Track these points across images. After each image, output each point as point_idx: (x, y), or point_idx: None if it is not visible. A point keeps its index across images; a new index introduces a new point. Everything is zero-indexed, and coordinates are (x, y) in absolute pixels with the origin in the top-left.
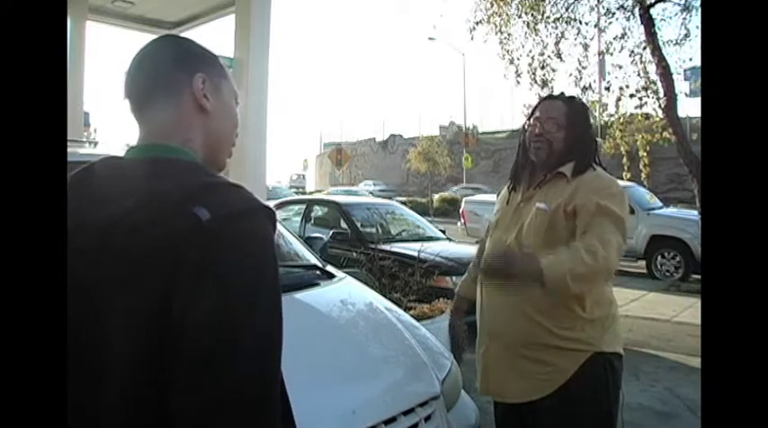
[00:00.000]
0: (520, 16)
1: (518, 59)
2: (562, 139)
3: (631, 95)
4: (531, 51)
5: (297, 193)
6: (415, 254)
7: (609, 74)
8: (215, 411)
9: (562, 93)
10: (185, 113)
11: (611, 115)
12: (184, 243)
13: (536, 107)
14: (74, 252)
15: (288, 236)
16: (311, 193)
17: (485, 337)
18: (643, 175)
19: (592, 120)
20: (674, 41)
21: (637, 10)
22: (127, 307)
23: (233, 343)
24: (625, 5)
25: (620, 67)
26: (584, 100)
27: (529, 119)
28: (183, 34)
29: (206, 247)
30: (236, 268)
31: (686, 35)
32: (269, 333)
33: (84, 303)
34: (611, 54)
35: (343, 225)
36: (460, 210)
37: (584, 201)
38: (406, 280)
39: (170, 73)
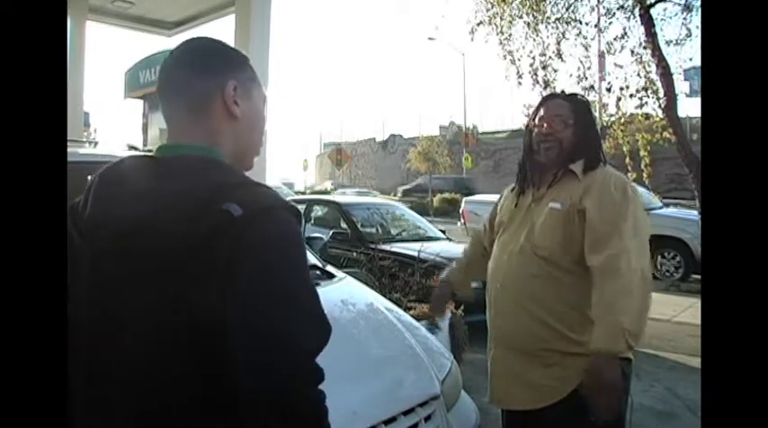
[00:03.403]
0: (521, 17)
1: (519, 60)
2: (571, 136)
3: (632, 95)
4: (531, 52)
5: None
6: (415, 254)
7: (609, 74)
8: (253, 409)
9: (563, 91)
10: (215, 118)
11: (612, 115)
12: (216, 238)
13: (539, 107)
14: (101, 249)
15: None
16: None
17: (493, 342)
18: (645, 175)
19: (594, 117)
20: (675, 41)
21: (637, 10)
22: (154, 303)
23: (270, 336)
24: (625, 5)
25: (621, 67)
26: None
27: (533, 119)
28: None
29: (239, 243)
30: (269, 263)
31: (687, 35)
32: (303, 324)
33: (109, 299)
34: (612, 54)
35: (343, 225)
36: (461, 210)
37: (593, 214)
38: (406, 280)
39: (202, 77)
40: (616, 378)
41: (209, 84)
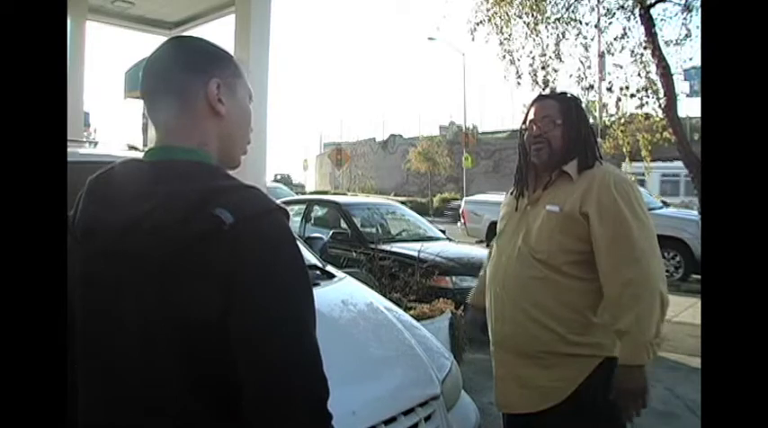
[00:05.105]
0: (520, 17)
1: (518, 60)
2: (560, 136)
3: (632, 95)
4: (531, 52)
5: None
6: (415, 254)
7: (609, 74)
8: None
9: (552, 92)
10: (200, 117)
11: (612, 115)
12: (208, 244)
13: (529, 109)
14: (95, 252)
15: None
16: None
17: (494, 345)
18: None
19: (587, 115)
20: (675, 41)
21: (637, 10)
22: (148, 306)
23: (270, 337)
24: (625, 5)
25: (621, 67)
26: (585, 100)
27: (524, 122)
28: (183, 34)
29: (235, 246)
30: (267, 264)
31: (687, 35)
32: (303, 324)
33: (104, 302)
34: (612, 54)
35: (343, 225)
36: (460, 210)
37: (598, 223)
38: (406, 280)
39: (184, 77)
40: (642, 386)
41: (192, 83)
